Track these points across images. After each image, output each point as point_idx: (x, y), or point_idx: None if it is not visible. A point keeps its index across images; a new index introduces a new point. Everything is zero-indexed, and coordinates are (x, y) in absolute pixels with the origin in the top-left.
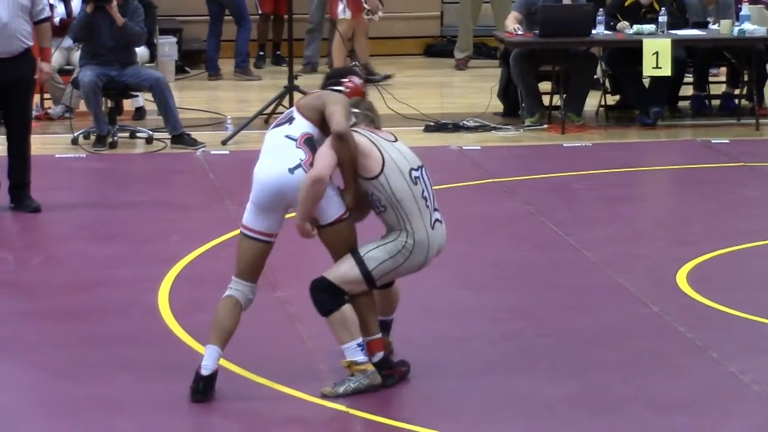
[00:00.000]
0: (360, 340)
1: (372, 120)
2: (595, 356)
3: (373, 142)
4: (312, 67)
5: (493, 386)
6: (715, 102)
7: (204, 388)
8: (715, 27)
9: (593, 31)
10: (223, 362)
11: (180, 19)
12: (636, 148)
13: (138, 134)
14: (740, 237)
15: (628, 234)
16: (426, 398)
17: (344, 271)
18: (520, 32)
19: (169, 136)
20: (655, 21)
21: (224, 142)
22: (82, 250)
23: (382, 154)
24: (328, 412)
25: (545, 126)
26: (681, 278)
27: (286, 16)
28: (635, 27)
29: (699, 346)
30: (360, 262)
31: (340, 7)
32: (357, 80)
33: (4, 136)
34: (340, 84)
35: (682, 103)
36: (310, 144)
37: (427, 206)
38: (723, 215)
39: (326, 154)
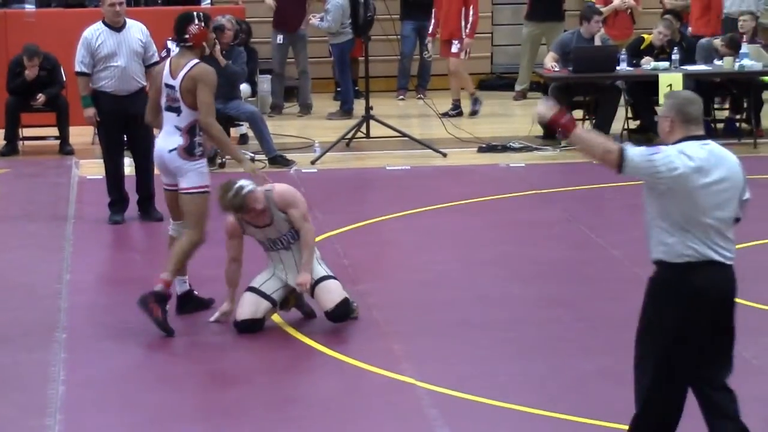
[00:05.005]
0: None
1: None
2: (621, 337)
3: None
4: (279, 110)
5: (537, 361)
6: (720, 125)
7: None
8: (719, 63)
9: (617, 68)
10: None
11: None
12: None
13: None
14: (742, 237)
15: None
16: (480, 372)
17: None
18: (556, 69)
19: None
20: (666, 59)
21: (313, 162)
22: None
23: None
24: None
25: None
26: None
27: (360, 57)
28: (652, 64)
29: None
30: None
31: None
32: (194, 28)
33: (127, 158)
34: (185, 41)
35: None
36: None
37: None
38: None
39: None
